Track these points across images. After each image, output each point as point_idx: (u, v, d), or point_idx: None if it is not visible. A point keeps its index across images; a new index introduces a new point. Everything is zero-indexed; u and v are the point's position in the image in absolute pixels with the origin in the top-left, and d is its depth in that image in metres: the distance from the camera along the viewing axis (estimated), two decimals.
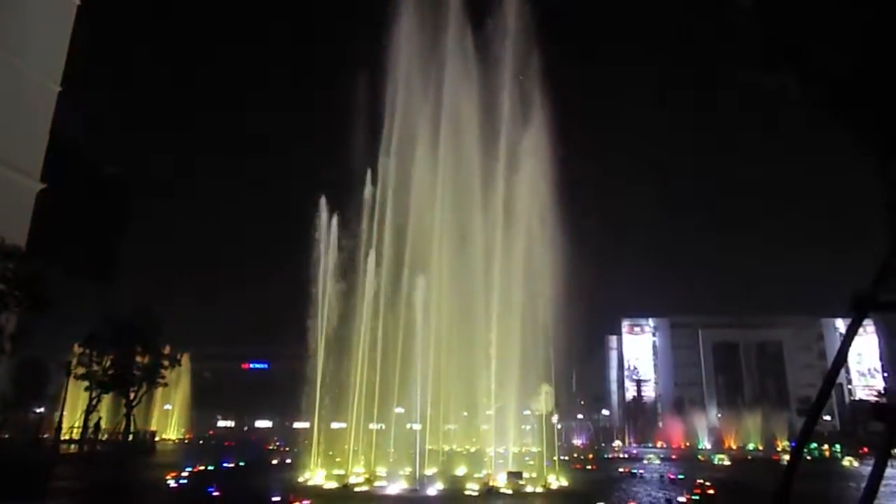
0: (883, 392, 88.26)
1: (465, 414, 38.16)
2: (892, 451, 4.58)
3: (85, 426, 50.81)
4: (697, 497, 25.64)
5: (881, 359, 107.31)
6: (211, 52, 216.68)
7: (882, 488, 4.52)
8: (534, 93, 34.73)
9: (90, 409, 51.50)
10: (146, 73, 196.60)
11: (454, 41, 35.31)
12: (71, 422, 51.06)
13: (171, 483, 26.98)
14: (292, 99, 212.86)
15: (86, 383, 51.60)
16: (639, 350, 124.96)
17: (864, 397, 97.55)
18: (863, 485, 4.62)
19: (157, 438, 61.79)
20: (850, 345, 5.32)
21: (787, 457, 48.81)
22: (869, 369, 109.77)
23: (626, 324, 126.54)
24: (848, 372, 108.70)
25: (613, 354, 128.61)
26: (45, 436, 49.13)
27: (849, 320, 5.29)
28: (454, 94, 35.30)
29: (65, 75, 39.58)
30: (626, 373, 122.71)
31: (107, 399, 56.28)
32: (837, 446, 64.35)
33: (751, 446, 79.09)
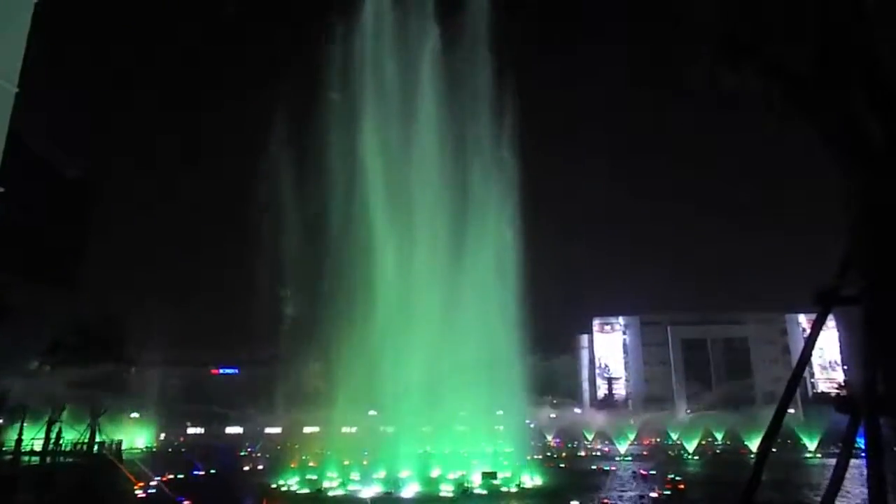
0: (843, 385, 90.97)
1: (439, 415, 38.09)
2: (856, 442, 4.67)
3: (47, 437, 49.22)
4: (668, 492, 26.08)
5: (841, 352, 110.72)
6: (179, 50, 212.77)
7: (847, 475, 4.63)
8: (506, 103, 35.26)
9: (52, 420, 49.92)
10: (106, 73, 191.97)
11: None
12: (32, 433, 49.35)
13: (139, 493, 26.38)
14: (253, 97, 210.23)
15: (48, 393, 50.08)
16: (610, 348, 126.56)
17: (826, 390, 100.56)
18: (828, 475, 4.71)
19: (124, 448, 60.16)
20: (815, 340, 5.42)
21: (755, 450, 49.88)
22: (830, 362, 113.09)
23: (597, 322, 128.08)
24: (810, 366, 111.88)
25: (585, 353, 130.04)
26: (4, 448, 47.44)
27: (811, 315, 5.39)
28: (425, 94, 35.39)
29: (23, 76, 38.22)
30: (597, 371, 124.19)
31: (71, 409, 54.62)
32: (804, 438, 66.05)
33: (719, 441, 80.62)
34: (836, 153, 4.58)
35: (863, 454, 4.54)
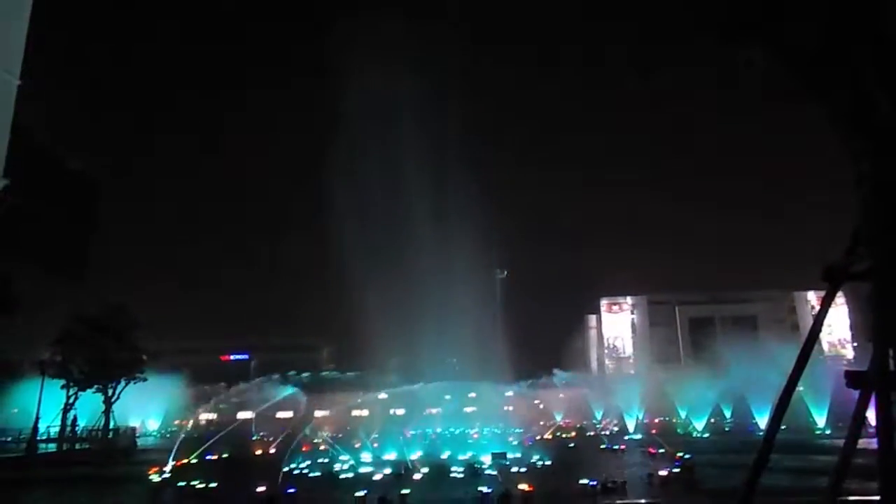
0: (852, 362, 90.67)
1: (448, 397, 38.43)
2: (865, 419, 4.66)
3: (62, 424, 50.03)
4: (678, 470, 26.22)
5: (851, 329, 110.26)
6: (184, 46, 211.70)
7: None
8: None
9: (67, 408, 50.68)
10: (110, 66, 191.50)
11: None
12: (48, 421, 50.14)
13: (154, 478, 26.77)
14: (269, 97, 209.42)
15: (62, 381, 50.77)
16: (618, 328, 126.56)
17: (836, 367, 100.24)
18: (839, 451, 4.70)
19: (138, 434, 61.06)
20: (824, 317, 5.41)
21: (763, 427, 49.94)
22: (839, 340, 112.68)
23: (604, 303, 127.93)
24: (819, 343, 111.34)
25: (593, 333, 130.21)
26: (22, 436, 48.28)
27: (820, 293, 5.37)
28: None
29: (25, 68, 38.15)
30: (606, 351, 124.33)
31: (85, 396, 55.40)
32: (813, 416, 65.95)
33: (728, 418, 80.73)
34: (845, 130, 4.53)
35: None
